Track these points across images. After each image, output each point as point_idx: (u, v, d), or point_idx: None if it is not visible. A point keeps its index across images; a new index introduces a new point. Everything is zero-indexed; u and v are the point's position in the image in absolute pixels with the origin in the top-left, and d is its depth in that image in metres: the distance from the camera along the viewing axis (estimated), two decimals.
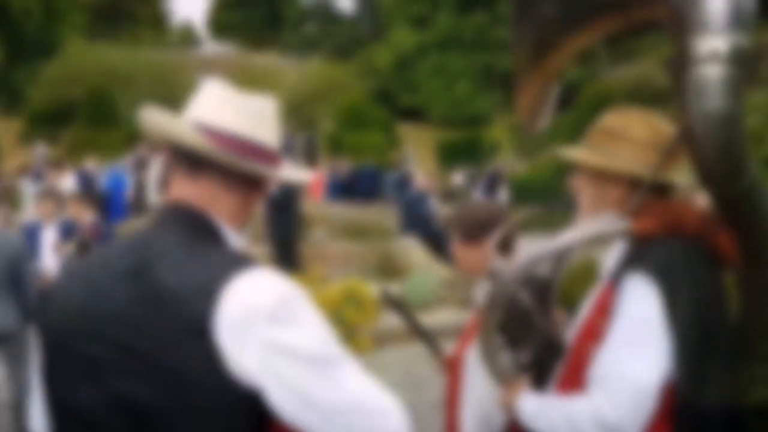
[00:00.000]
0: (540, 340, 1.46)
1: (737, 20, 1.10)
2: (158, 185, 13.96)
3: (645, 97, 12.63)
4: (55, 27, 27.72)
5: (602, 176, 1.41)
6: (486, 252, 1.56)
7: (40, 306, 1.07)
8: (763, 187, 1.25)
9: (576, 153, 1.46)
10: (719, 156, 1.16)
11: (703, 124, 1.14)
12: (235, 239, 1.08)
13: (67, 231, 4.96)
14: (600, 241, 1.39)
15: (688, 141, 1.20)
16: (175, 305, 0.93)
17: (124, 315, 0.96)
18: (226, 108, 1.08)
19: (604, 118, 1.46)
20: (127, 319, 0.96)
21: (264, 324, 0.92)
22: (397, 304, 1.96)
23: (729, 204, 1.26)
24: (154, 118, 1.07)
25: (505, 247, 1.63)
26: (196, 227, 1.04)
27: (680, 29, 1.15)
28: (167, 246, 1.00)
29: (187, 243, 1.01)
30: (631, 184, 1.38)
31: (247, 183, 1.09)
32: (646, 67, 19.21)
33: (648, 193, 1.33)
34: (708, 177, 1.21)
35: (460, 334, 1.80)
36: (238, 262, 0.97)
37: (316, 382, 0.93)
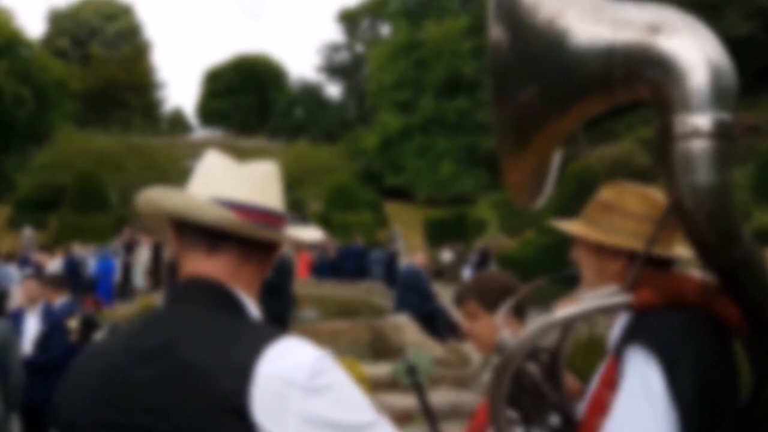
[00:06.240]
0: (553, 414, 1.44)
1: (720, 98, 1.14)
2: (145, 269, 13.84)
3: (624, 174, 12.98)
4: (46, 115, 28.27)
5: (601, 249, 1.43)
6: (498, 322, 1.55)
7: (56, 393, 1.04)
8: (760, 256, 1.25)
9: (573, 226, 1.48)
10: (710, 227, 1.17)
11: (691, 198, 1.16)
12: (255, 310, 1.07)
13: (48, 316, 4.74)
14: (602, 313, 1.39)
15: (678, 214, 1.22)
16: (206, 384, 0.91)
17: (148, 399, 0.93)
18: (235, 179, 1.07)
19: (601, 191, 1.48)
20: (150, 403, 0.93)
21: (299, 396, 0.91)
22: (413, 375, 1.92)
23: (726, 274, 1.25)
24: (167, 196, 1.05)
25: (519, 317, 1.64)
26: (218, 301, 1.02)
27: (663, 107, 1.19)
28: (190, 323, 0.99)
29: (211, 318, 0.99)
30: (630, 256, 1.38)
31: (263, 251, 1.09)
32: (625, 146, 19.89)
33: (646, 265, 1.34)
34: (702, 249, 1.22)
35: (469, 415, 1.77)
36: (267, 335, 0.96)
37: None
